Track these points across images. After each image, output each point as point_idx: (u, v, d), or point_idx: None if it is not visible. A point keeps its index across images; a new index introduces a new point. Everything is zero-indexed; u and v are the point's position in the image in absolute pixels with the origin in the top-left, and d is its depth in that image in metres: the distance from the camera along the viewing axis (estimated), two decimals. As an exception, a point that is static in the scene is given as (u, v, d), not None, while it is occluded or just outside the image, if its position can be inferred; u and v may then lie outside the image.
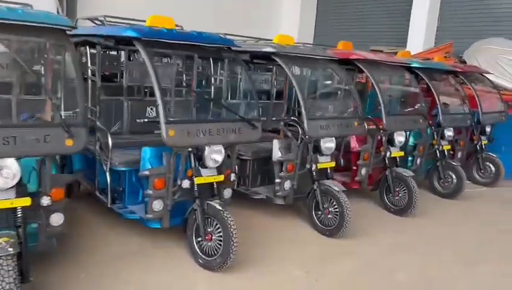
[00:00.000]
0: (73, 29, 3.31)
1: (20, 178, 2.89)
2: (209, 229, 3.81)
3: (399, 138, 5.55)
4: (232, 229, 3.63)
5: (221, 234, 3.70)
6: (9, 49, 3.14)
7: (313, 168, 4.76)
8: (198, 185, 3.79)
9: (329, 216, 4.75)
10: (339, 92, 5.48)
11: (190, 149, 3.78)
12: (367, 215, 5.52)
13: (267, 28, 11.43)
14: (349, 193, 5.83)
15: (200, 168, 3.81)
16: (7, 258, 2.69)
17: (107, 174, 4.17)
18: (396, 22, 11.75)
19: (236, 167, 4.95)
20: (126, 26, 3.82)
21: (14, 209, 2.90)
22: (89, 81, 4.52)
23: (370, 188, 5.92)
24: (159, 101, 3.41)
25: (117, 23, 4.82)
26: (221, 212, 3.68)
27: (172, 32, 3.80)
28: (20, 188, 2.91)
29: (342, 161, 5.15)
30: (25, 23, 2.99)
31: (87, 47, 4.48)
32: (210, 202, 3.77)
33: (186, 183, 3.74)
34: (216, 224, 3.75)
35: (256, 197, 5.09)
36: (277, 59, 4.55)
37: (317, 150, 4.78)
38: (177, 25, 4.67)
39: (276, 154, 4.74)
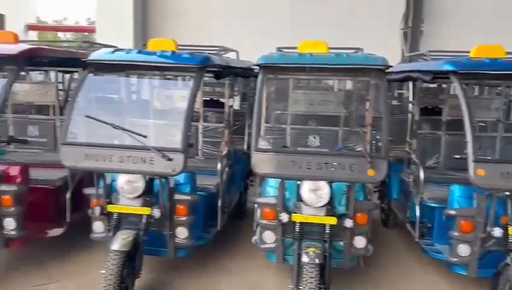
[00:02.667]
0: (388, 68, 3.56)
1: (331, 200, 3.35)
2: (526, 293, 3.16)
3: None
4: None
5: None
6: (332, 88, 3.71)
7: None
8: (513, 236, 3.23)
9: None
10: None
11: (508, 193, 3.28)
12: None
13: None
14: None
15: (518, 217, 3.24)
16: (311, 267, 3.16)
17: (417, 208, 4.16)
18: None
19: None
20: (445, 60, 3.74)
21: (323, 226, 3.38)
22: (409, 115, 4.67)
23: None
24: (468, 138, 3.17)
25: (442, 57, 4.75)
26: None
27: (496, 63, 3.44)
28: (329, 208, 3.36)
29: None
30: (347, 66, 3.49)
31: (410, 82, 4.66)
32: (529, 260, 3.13)
33: (497, 232, 3.26)
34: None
35: None
36: None
37: None
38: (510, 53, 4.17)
39: None
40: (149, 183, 3.47)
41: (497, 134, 4.22)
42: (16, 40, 3.96)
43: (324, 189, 3.29)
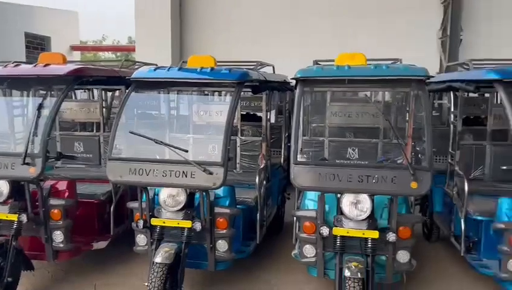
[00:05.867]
0: (429, 78, 3.50)
1: (372, 213, 3.29)
2: None
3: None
4: None
5: None
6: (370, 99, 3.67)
7: None
8: None
9: None
10: None
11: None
12: None
13: None
14: None
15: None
16: (354, 281, 3.10)
17: (462, 221, 4.02)
18: None
19: None
20: (488, 69, 3.64)
21: (365, 240, 3.31)
22: (451, 126, 4.55)
23: None
24: (517, 148, 3.06)
25: (484, 66, 4.62)
26: None
27: (545, 69, 3.32)
28: (371, 222, 3.30)
29: None
30: (386, 77, 3.47)
31: (451, 93, 4.55)
32: None
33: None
34: None
35: None
36: None
37: None
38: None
39: None
40: (190, 197, 3.53)
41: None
42: (64, 60, 4.16)
43: (366, 202, 3.25)
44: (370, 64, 3.65)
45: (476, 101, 5.66)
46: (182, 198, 3.45)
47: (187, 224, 3.45)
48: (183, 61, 4.69)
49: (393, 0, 9.62)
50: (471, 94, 5.49)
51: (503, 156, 4.32)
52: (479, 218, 3.92)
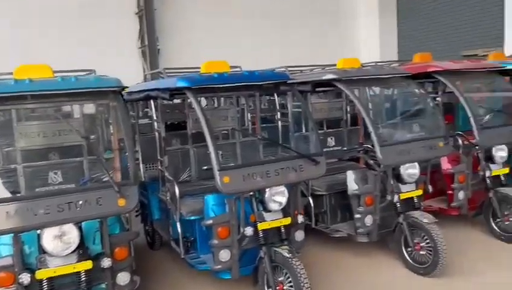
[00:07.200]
0: (124, 88, 3.39)
1: (82, 242, 2.94)
2: (279, 279, 3.53)
3: (499, 153, 4.76)
4: (302, 279, 3.30)
5: (291, 284, 3.39)
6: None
7: (396, 199, 4.25)
8: (263, 230, 3.56)
9: (421, 252, 4.16)
10: (418, 111, 4.90)
11: (251, 193, 3.59)
12: (472, 246, 4.74)
13: (349, 53, 10.97)
14: (448, 220, 5.14)
15: (263, 212, 3.59)
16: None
17: (178, 224, 4.14)
18: (490, 20, 10.46)
19: (310, 205, 4.69)
20: (178, 77, 3.83)
21: (78, 273, 2.94)
22: (155, 133, 4.63)
23: (472, 214, 5.14)
24: (211, 149, 3.31)
25: (176, 74, 4.92)
26: (289, 259, 3.38)
27: (223, 77, 3.72)
28: (81, 252, 2.95)
29: (430, 187, 4.52)
30: (77, 90, 3.14)
31: (151, 101, 4.63)
32: (277, 249, 3.50)
33: (249, 230, 3.53)
34: (286, 273, 3.46)
35: (336, 235, 4.68)
36: (338, 85, 4.22)
37: (399, 178, 4.27)
38: (234, 66, 4.62)
39: (352, 186, 4.34)
40: None
41: (235, 141, 4.62)
42: None
43: (71, 233, 2.87)
44: (57, 76, 3.26)
45: (178, 107, 6.00)
46: None
47: None
48: None
49: (89, 8, 9.20)
50: (175, 100, 5.78)
51: (204, 157, 4.69)
52: (192, 218, 4.12)
